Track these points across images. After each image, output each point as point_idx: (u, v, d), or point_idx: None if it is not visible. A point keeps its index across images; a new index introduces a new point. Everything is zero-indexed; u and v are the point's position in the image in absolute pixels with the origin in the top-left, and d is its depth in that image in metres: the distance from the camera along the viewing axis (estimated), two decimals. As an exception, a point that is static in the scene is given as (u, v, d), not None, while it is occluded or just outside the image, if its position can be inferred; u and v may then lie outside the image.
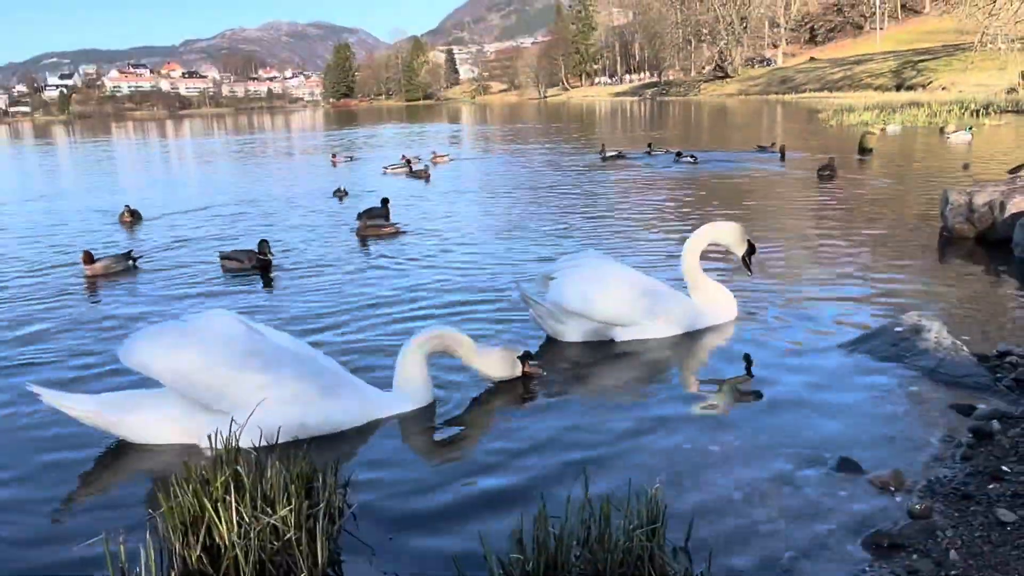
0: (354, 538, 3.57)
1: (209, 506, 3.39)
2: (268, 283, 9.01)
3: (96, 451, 4.66)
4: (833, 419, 4.71)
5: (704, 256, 6.84)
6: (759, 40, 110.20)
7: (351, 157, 25.16)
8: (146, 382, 4.79)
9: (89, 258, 9.58)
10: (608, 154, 22.97)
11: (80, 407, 4.57)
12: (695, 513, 3.59)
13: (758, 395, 5.15)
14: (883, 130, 28.85)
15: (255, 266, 9.50)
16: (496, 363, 5.29)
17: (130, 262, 9.83)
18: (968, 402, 4.77)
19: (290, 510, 3.31)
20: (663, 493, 3.26)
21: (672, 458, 4.27)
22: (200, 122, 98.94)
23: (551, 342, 6.36)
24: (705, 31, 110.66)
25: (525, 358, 5.39)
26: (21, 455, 4.64)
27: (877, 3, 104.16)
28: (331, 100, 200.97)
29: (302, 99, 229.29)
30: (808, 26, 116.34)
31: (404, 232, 11.86)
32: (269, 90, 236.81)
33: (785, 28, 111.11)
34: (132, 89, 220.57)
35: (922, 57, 72.31)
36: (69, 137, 65.89)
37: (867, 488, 3.85)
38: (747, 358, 5.82)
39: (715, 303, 6.59)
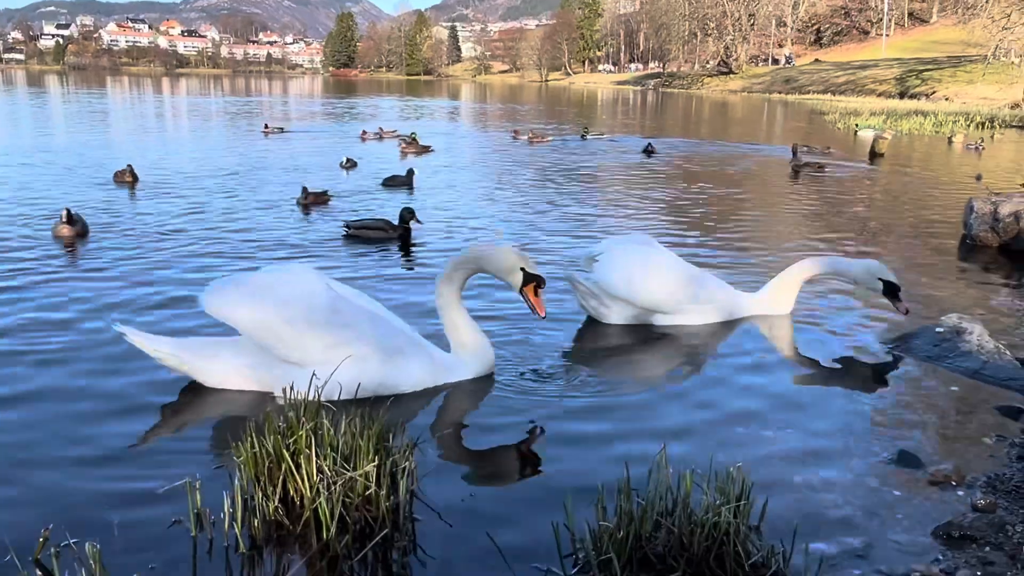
0: (423, 502, 3.59)
1: (288, 457, 3.41)
2: (407, 252, 9.03)
3: (173, 395, 4.72)
4: (882, 414, 4.76)
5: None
6: (765, 38, 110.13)
7: (281, 128, 24.68)
8: (226, 330, 4.83)
9: None
10: (589, 136, 24.33)
11: (161, 348, 4.62)
12: (759, 496, 3.64)
13: (805, 386, 5.21)
14: (855, 133, 29.74)
15: (399, 235, 9.48)
16: (493, 253, 4.91)
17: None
18: (1015, 405, 4.84)
19: (375, 465, 3.33)
20: (747, 472, 3.29)
21: (727, 443, 4.30)
22: (197, 81, 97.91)
23: (592, 323, 6.39)
24: (712, 25, 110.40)
25: (531, 281, 4.92)
26: (102, 392, 4.73)
27: (885, 9, 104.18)
28: (331, 68, 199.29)
29: (301, 66, 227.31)
30: (815, 27, 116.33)
31: (329, 198, 11.92)
32: (269, 54, 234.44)
33: (792, 28, 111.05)
34: (129, 44, 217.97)
35: (926, 66, 72.44)
36: (63, 87, 65.15)
37: (927, 482, 3.91)
38: (792, 349, 5.91)
39: (775, 301, 6.55)
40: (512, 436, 4.34)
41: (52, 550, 3.06)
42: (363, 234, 9.44)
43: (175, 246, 8.74)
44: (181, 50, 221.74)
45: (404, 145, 19.99)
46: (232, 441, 3.60)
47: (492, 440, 4.30)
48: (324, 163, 17.30)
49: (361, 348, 4.52)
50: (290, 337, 4.49)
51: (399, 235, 9.47)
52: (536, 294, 4.97)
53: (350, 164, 16.45)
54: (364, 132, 24.08)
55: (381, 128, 24.54)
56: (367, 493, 3.32)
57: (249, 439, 3.45)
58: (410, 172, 13.87)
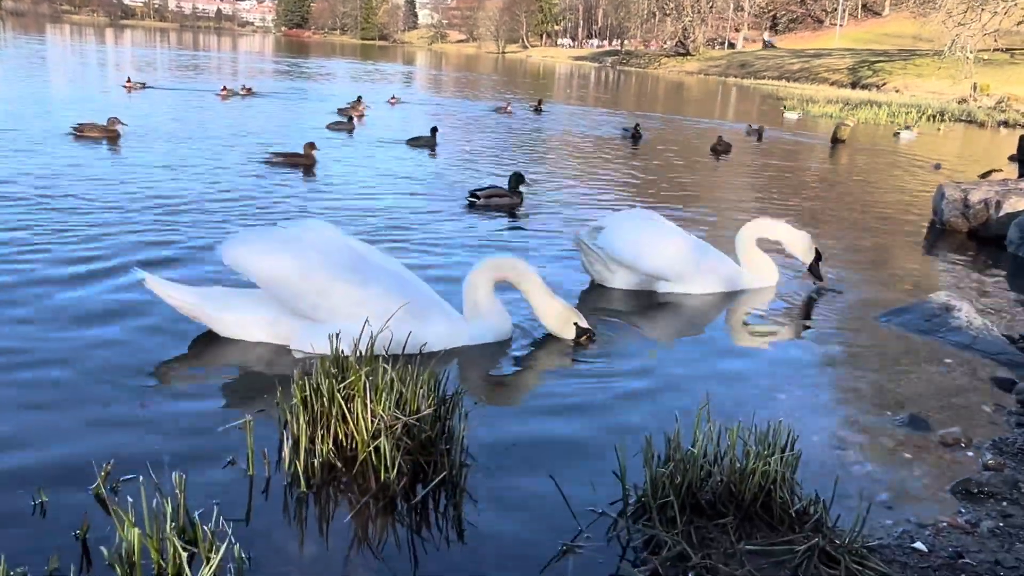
0: (475, 449, 3.64)
1: (342, 401, 3.46)
2: (514, 216, 9.16)
3: (198, 345, 4.71)
4: (887, 381, 5.00)
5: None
6: (723, 22, 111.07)
7: (144, 84, 23.14)
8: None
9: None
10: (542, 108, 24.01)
11: (181, 297, 4.59)
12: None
13: (810, 353, 5.43)
14: (783, 114, 32.25)
15: (518, 203, 9.56)
16: (554, 315, 5.17)
17: None
18: (1007, 376, 5.13)
19: (432, 410, 3.39)
20: (791, 426, 3.46)
21: (743, 404, 4.45)
22: (142, 34, 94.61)
23: (595, 287, 6.55)
24: (671, 5, 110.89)
25: (584, 334, 5.20)
26: (132, 340, 4.71)
27: (840, 0, 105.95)
28: (283, 28, 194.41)
29: (252, 23, 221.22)
30: (771, 14, 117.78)
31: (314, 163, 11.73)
32: (219, 10, 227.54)
33: (749, 13, 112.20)
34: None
35: (878, 58, 74.02)
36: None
37: (939, 443, 4.14)
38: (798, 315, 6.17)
39: (759, 271, 6.82)
40: (547, 389, 4.48)
41: (111, 485, 3.08)
42: (492, 203, 9.43)
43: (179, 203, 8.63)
44: (127, 0, 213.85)
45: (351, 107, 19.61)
46: (279, 386, 3.63)
47: (531, 394, 4.44)
48: (296, 124, 17.11)
49: (387, 304, 4.51)
50: (308, 291, 4.50)
51: (520, 201, 9.58)
52: (586, 339, 5.22)
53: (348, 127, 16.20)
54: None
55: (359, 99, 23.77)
56: (423, 437, 3.40)
57: (302, 381, 3.49)
58: (434, 130, 13.97)
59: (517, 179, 9.62)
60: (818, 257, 6.93)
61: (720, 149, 17.11)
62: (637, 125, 19.39)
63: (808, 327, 6.00)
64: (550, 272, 6.62)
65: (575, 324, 5.18)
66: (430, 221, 8.52)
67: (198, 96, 21.26)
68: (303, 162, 11.28)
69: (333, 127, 16.00)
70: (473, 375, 4.67)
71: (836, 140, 22.05)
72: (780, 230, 6.90)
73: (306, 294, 4.49)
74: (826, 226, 10.03)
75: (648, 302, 6.30)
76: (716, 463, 3.31)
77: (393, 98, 23.41)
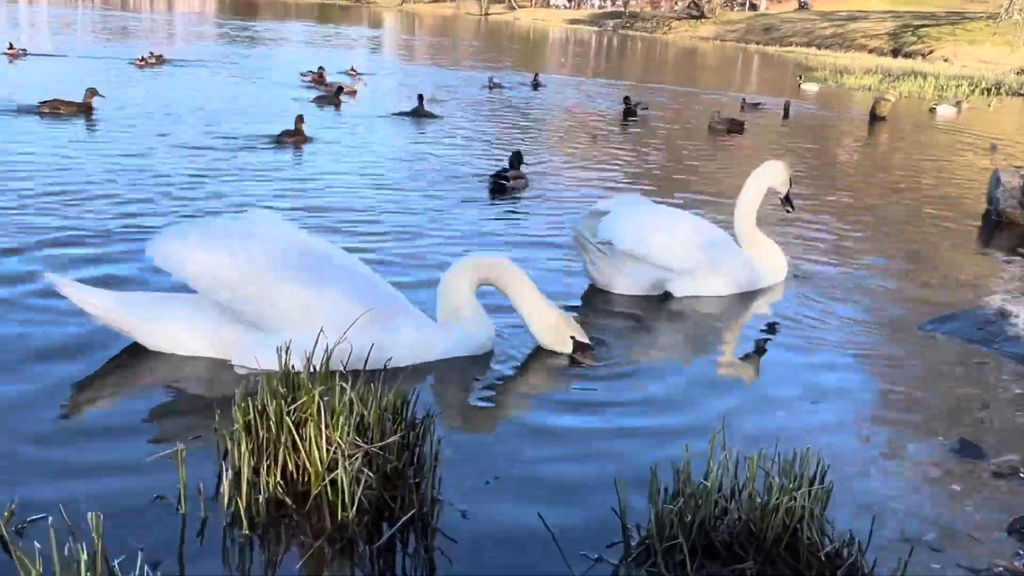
0: (450, 481, 3.59)
1: (293, 427, 3.43)
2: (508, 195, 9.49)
3: (125, 358, 4.68)
4: (933, 400, 5.06)
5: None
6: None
7: (160, 57, 22.57)
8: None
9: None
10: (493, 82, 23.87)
11: (101, 304, 4.53)
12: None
13: (842, 367, 5.44)
14: (799, 86, 32.25)
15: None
16: (547, 326, 5.11)
17: None
18: (1071, 393, 5.18)
19: (399, 436, 3.38)
20: (820, 454, 3.46)
21: (769, 428, 4.44)
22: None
23: (595, 293, 6.52)
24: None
25: (582, 349, 5.15)
26: (42, 352, 4.66)
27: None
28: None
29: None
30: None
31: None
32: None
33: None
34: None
35: (923, 22, 74.55)
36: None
37: (992, 473, 4.16)
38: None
39: (769, 260, 6.89)
40: (536, 413, 4.48)
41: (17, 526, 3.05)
42: (518, 184, 9.72)
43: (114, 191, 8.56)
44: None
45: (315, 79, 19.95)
46: (218, 409, 3.60)
47: (516, 418, 4.44)
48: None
49: (346, 311, 4.45)
50: (254, 294, 4.45)
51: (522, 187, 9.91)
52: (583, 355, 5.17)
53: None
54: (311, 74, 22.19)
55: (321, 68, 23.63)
56: (388, 468, 3.38)
57: (244, 403, 3.46)
58: (420, 99, 15.18)
59: (517, 158, 9.86)
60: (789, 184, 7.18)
61: (720, 127, 17.04)
62: (627, 98, 19.16)
63: (840, 336, 6.01)
64: (544, 275, 6.58)
65: (572, 338, 5.13)
66: (401, 210, 8.55)
67: (113, 65, 21.15)
68: (297, 140, 11.92)
69: (319, 102, 16.57)
70: (448, 395, 4.66)
71: (875, 117, 22.27)
72: (772, 172, 6.95)
73: (250, 298, 4.44)
74: (862, 217, 10.09)
75: (655, 309, 6.31)
76: (733, 498, 3.30)
77: (352, 71, 23.17)
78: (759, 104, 22.32)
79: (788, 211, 7.33)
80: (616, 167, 12.34)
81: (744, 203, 6.84)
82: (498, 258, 5.16)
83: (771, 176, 6.93)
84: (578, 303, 6.32)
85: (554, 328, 5.13)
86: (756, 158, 7.98)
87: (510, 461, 3.91)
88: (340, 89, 17.61)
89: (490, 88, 22.35)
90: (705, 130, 17.29)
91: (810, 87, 32.05)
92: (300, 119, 12.04)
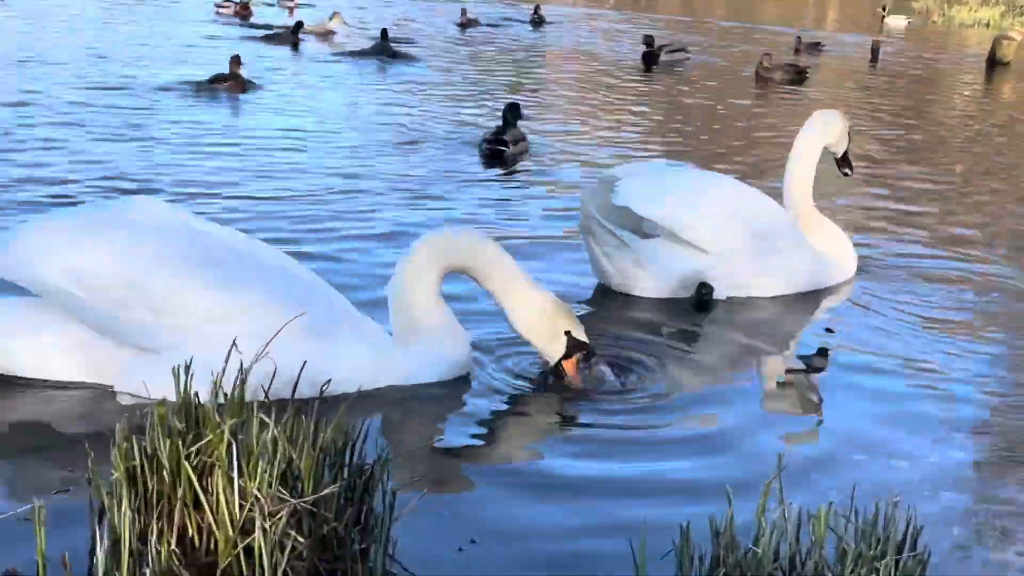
0: (407, 547, 3.46)
1: (194, 475, 3.36)
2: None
3: None
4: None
5: None
6: None
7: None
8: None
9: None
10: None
11: None
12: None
13: (938, 392, 5.46)
14: (882, 19, 33.18)
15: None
16: (536, 311, 4.86)
17: None
18: None
19: (338, 487, 3.31)
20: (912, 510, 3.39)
21: (833, 473, 4.40)
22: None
23: (610, 298, 6.43)
24: None
25: (579, 348, 4.95)
26: None
27: None
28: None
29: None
30: None
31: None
32: None
33: None
34: None
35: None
36: None
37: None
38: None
39: (833, 248, 6.87)
40: (527, 456, 4.46)
41: None
42: (520, 149, 9.97)
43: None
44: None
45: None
46: (92, 452, 3.48)
47: (496, 463, 4.38)
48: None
49: (267, 319, 4.27)
50: (148, 301, 4.34)
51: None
52: (577, 365, 4.87)
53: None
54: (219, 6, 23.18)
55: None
56: (325, 530, 3.32)
57: (127, 443, 3.38)
58: (384, 32, 16.54)
59: (514, 112, 9.83)
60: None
61: (772, 75, 16.87)
62: (648, 39, 19.14)
63: (933, 350, 5.88)
64: (545, 274, 6.43)
65: (566, 333, 4.83)
66: (360, 188, 8.54)
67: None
68: (232, 87, 12.56)
69: (272, 40, 17.49)
70: (408, 431, 4.53)
71: (994, 62, 22.16)
72: (828, 122, 7.03)
73: (134, 306, 4.30)
74: (970, 197, 10.05)
75: (687, 317, 6.17)
76: (793, 570, 3.24)
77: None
78: (819, 44, 22.31)
79: (846, 174, 7.24)
80: (635, 131, 12.31)
81: (795, 171, 6.64)
82: (469, 233, 4.96)
83: (824, 130, 6.79)
84: (583, 310, 6.12)
85: (544, 314, 4.81)
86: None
87: (491, 521, 3.76)
88: (300, 25, 17.56)
89: (461, 26, 22.28)
90: (754, 79, 17.31)
91: (896, 21, 31.69)
92: (236, 60, 12.12)
